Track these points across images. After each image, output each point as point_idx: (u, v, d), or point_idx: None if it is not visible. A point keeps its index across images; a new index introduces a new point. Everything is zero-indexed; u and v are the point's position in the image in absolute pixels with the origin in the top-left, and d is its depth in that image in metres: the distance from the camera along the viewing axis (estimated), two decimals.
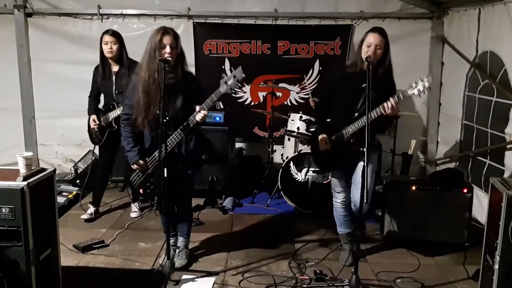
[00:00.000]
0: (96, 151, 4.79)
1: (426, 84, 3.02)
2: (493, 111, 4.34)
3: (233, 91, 3.11)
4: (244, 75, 3.06)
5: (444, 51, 5.48)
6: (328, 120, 3.49)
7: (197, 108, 3.09)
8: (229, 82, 3.05)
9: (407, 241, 3.97)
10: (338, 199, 3.63)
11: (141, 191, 3.39)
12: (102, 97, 4.44)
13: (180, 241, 3.60)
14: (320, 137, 3.46)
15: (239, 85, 3.08)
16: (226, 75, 3.14)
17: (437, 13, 5.43)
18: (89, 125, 4.41)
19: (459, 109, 5.02)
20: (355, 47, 5.54)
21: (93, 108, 4.38)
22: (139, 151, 3.29)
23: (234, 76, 3.04)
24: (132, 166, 3.33)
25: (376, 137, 3.49)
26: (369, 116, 3.00)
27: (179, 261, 3.49)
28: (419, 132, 5.79)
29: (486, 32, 4.46)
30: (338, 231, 3.74)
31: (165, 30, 3.13)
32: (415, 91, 3.05)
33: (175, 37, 3.15)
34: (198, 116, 3.08)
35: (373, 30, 3.26)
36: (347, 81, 3.38)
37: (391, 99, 3.07)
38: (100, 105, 4.44)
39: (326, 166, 3.72)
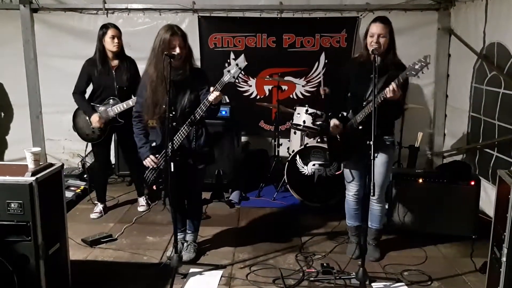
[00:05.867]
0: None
1: (424, 64, 2.98)
2: (501, 103, 4.30)
3: (236, 80, 3.12)
4: (246, 63, 3.07)
5: (451, 43, 5.44)
6: (344, 113, 3.47)
7: (211, 89, 3.08)
8: (232, 71, 3.07)
9: (414, 233, 3.96)
10: (350, 191, 3.60)
11: (154, 187, 3.41)
12: (89, 92, 4.33)
13: (189, 235, 3.63)
14: (332, 122, 3.44)
15: (242, 73, 3.09)
16: (230, 65, 3.15)
17: (444, 5, 5.39)
18: (76, 123, 4.34)
19: (466, 101, 4.99)
20: (361, 39, 5.55)
21: (89, 105, 4.22)
22: (150, 147, 3.31)
23: (237, 65, 3.06)
24: (144, 162, 3.33)
25: (390, 136, 3.45)
26: (375, 104, 2.99)
27: (187, 255, 3.52)
28: (426, 125, 5.76)
29: (494, 23, 4.42)
30: (347, 223, 3.73)
31: (173, 31, 3.11)
32: (413, 72, 3.02)
33: (183, 36, 3.16)
34: (212, 96, 3.04)
35: (375, 20, 3.29)
36: (356, 72, 3.38)
37: (392, 83, 3.07)
38: (96, 101, 4.31)
39: (338, 157, 3.69)
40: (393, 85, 3.06)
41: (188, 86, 3.23)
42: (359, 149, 3.24)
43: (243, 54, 3.09)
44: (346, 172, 3.59)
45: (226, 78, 3.09)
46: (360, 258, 3.18)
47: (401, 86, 3.11)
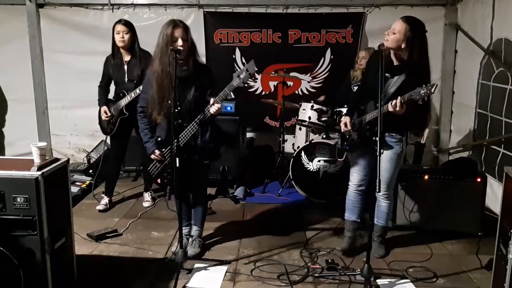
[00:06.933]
0: (108, 141, 4.78)
1: (428, 92, 2.95)
2: (508, 99, 4.27)
3: (245, 84, 3.14)
4: (256, 69, 3.12)
5: (458, 39, 5.41)
6: (362, 107, 3.46)
7: (211, 101, 3.13)
8: (241, 76, 3.10)
9: (420, 230, 3.95)
10: (352, 182, 3.57)
11: (159, 181, 3.42)
12: (112, 87, 4.44)
13: (194, 230, 3.63)
14: (343, 119, 3.47)
15: (251, 79, 3.12)
16: (237, 64, 3.17)
17: (451, 0, 5.35)
18: (100, 116, 4.43)
19: (473, 97, 4.96)
20: (367, 35, 5.55)
21: (103, 98, 4.37)
22: (156, 142, 3.33)
23: (247, 70, 3.09)
24: (150, 156, 3.35)
25: (397, 133, 3.37)
26: (381, 109, 2.97)
27: (192, 250, 3.52)
28: (432, 121, 5.73)
29: (501, 19, 4.39)
30: (345, 217, 3.69)
31: (175, 24, 3.12)
32: (416, 96, 2.97)
33: (186, 29, 3.15)
34: (213, 109, 3.13)
35: (401, 17, 3.21)
36: (374, 68, 3.34)
37: (399, 97, 3.03)
38: (111, 95, 4.44)
39: (347, 147, 3.66)
40: (396, 101, 3.02)
41: (193, 82, 3.22)
42: (366, 144, 3.24)
43: (253, 60, 3.11)
44: (350, 161, 3.59)
45: (235, 82, 3.11)
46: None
47: (414, 103, 3.01)
